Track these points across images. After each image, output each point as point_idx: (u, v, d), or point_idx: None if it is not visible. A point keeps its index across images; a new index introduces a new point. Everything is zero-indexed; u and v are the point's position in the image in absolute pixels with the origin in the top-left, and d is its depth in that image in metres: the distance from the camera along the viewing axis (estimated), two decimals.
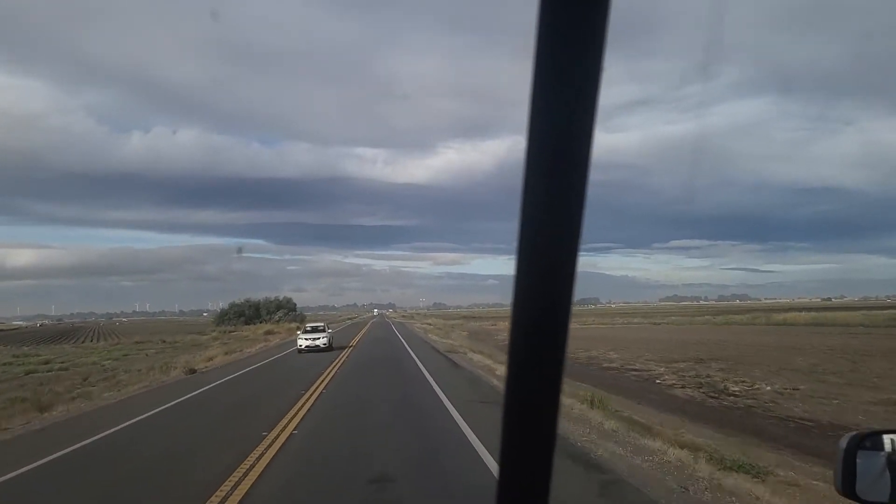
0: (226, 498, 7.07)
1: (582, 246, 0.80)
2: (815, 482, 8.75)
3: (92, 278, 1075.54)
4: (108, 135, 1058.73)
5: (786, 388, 19.97)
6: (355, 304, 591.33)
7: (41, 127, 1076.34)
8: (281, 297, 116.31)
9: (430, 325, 78.92)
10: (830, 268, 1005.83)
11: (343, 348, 32.96)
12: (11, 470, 8.97)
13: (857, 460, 1.82)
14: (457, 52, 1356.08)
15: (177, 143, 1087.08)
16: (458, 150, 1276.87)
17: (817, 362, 26.76)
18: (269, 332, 66.21)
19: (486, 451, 8.66)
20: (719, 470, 8.21)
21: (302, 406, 13.73)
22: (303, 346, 31.34)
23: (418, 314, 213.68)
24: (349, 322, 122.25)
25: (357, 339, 45.89)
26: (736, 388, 20.39)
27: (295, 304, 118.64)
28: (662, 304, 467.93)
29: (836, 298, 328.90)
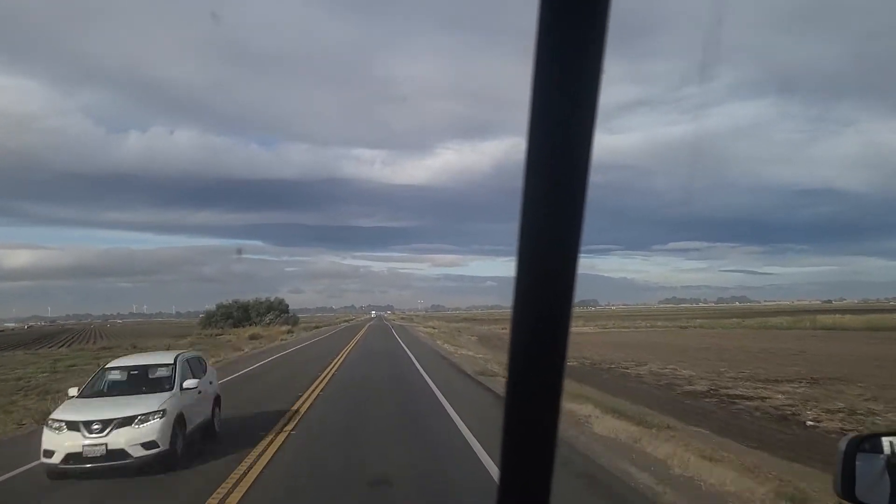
0: None
1: (582, 247, 0.79)
2: None
3: (89, 279, 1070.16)
4: (106, 135, 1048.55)
5: None
6: (353, 306, 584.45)
7: (38, 127, 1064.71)
8: (272, 298, 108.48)
9: (433, 328, 71.09)
10: (829, 270, 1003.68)
11: (309, 384, 17.86)
12: None
13: (857, 463, 1.79)
14: (456, 52, 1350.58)
15: (174, 144, 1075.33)
16: (456, 152, 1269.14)
17: None
18: (253, 337, 58.68)
19: None
20: None
21: None
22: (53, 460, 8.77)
23: (417, 316, 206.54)
24: (344, 325, 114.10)
25: (344, 353, 32.44)
26: None
27: (287, 306, 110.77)
28: (662, 306, 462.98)
29: (835, 301, 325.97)
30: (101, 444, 8.72)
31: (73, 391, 10.16)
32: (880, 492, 1.77)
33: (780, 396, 18.34)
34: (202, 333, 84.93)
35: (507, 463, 0.85)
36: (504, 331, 67.85)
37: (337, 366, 23.89)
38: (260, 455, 9.87)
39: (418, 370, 22.39)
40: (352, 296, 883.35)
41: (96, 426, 8.85)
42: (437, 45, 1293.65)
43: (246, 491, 8.04)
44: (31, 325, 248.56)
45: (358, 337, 52.66)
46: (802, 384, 20.78)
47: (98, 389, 10.32)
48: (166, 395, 9.81)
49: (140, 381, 10.56)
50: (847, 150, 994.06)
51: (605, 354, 33.84)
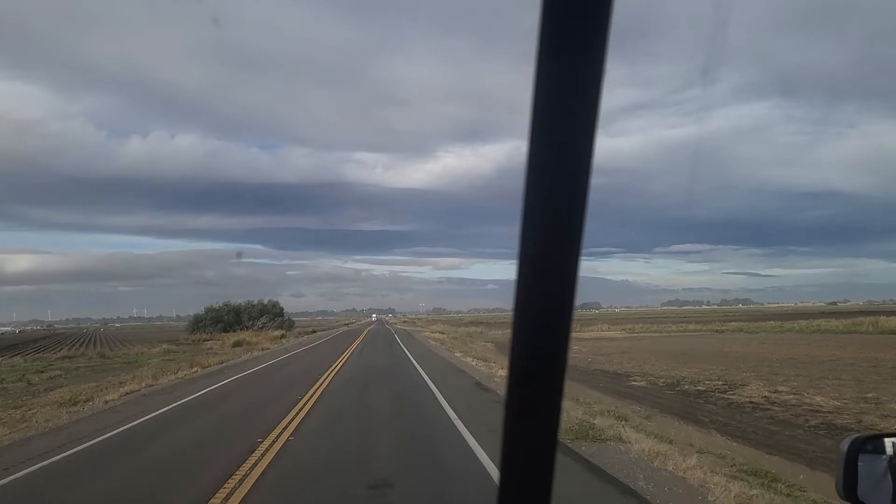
0: None
1: (583, 250, 0.79)
2: None
3: (90, 283, 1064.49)
4: (107, 139, 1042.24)
5: None
6: (354, 310, 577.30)
7: (39, 132, 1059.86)
8: (266, 301, 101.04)
9: (441, 334, 62.28)
10: (831, 272, 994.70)
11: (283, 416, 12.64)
12: None
13: (859, 464, 1.75)
14: (457, 56, 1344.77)
15: (175, 148, 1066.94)
16: (457, 155, 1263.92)
17: None
18: (237, 344, 51.41)
19: None
20: None
21: None
22: None
23: (420, 319, 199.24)
24: (344, 328, 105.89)
25: (334, 370, 23.43)
26: None
27: (282, 309, 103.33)
28: (665, 308, 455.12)
29: (840, 303, 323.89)
30: None
31: None
32: (883, 493, 1.70)
33: None
34: (189, 339, 78.11)
35: (508, 465, 0.84)
36: None
37: (313, 400, 14.99)
38: None
39: (444, 410, 13.07)
40: (353, 299, 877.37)
41: None
42: (439, 49, 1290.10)
43: None
44: (23, 330, 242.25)
45: (355, 345, 42.85)
46: None
47: None
48: None
49: None
50: (850, 153, 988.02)
51: (673, 369, 26.42)
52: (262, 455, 9.21)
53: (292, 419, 12.39)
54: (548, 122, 0.75)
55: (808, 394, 18.59)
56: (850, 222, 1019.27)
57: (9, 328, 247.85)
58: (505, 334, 65.34)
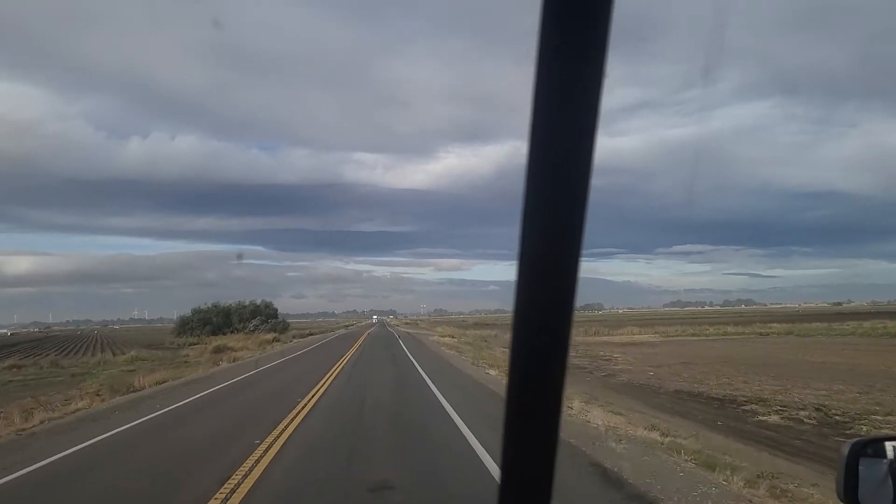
0: None
1: (584, 251, 0.79)
2: None
3: (90, 285, 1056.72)
4: (107, 141, 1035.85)
5: None
6: (355, 311, 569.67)
7: (39, 133, 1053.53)
8: (258, 301, 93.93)
9: (451, 338, 52.97)
10: (833, 272, 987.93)
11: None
12: None
13: (860, 467, 1.72)
14: (458, 56, 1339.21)
15: (175, 149, 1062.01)
16: (458, 156, 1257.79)
17: None
18: (218, 350, 44.44)
19: None
20: None
21: None
22: None
23: (422, 321, 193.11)
24: (342, 331, 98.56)
25: (317, 393, 16.22)
26: None
27: (276, 310, 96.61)
28: (667, 309, 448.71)
29: (844, 303, 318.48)
30: None
31: None
32: (883, 496, 1.68)
33: None
34: (175, 342, 71.41)
35: (508, 466, 0.83)
36: None
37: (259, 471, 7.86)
38: None
39: None
40: (354, 300, 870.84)
41: None
42: (439, 49, 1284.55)
43: None
44: (15, 332, 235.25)
45: (352, 353, 34.69)
46: None
47: None
48: None
49: None
50: (851, 152, 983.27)
51: (785, 391, 19.59)
52: None
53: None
54: (548, 123, 0.74)
55: None
56: (851, 222, 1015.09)
57: (3, 330, 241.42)
58: None
